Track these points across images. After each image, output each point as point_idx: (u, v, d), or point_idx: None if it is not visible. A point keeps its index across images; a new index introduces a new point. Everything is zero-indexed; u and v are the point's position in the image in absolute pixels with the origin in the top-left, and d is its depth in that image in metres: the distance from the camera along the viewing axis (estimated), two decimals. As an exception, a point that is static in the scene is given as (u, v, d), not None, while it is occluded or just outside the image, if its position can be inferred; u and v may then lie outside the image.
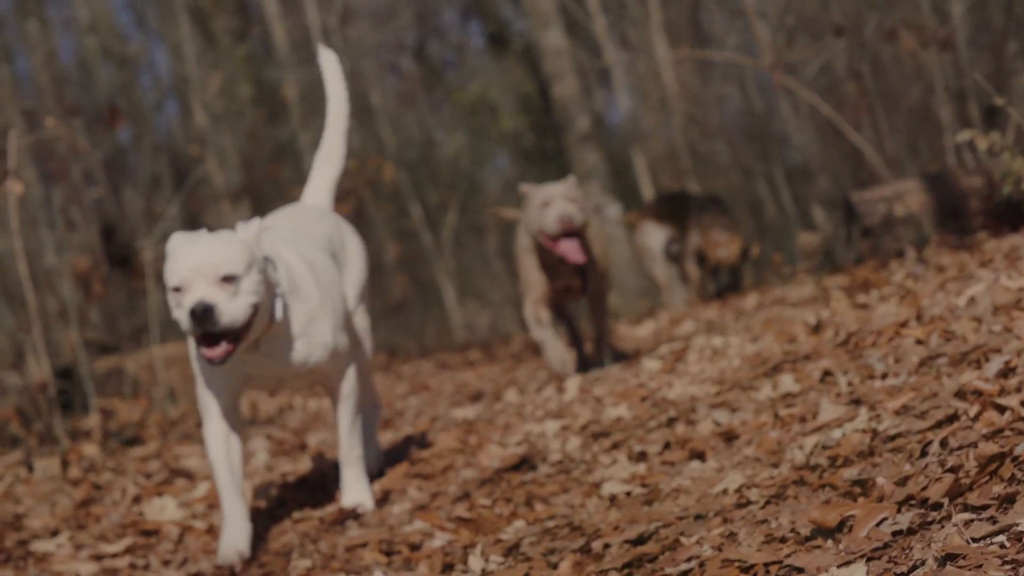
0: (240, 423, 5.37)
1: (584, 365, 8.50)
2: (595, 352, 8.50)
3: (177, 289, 4.87)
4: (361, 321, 6.07)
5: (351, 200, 19.18)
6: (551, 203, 7.76)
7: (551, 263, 7.97)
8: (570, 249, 7.73)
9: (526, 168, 23.47)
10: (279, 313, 5.14)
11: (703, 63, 20.95)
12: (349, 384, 5.58)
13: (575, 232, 7.77)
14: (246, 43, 22.81)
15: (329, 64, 6.35)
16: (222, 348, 4.90)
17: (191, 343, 5.20)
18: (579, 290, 8.18)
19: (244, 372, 5.29)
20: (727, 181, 21.55)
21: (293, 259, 5.39)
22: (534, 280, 8.05)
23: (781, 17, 17.41)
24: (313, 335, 5.34)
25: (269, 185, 21.48)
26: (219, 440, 5.25)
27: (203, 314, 4.81)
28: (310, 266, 5.46)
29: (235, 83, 21.82)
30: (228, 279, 4.88)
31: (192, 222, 21.73)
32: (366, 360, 6.15)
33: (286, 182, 21.26)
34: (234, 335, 4.93)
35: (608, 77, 22.35)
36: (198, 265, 4.86)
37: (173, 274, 4.89)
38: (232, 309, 4.87)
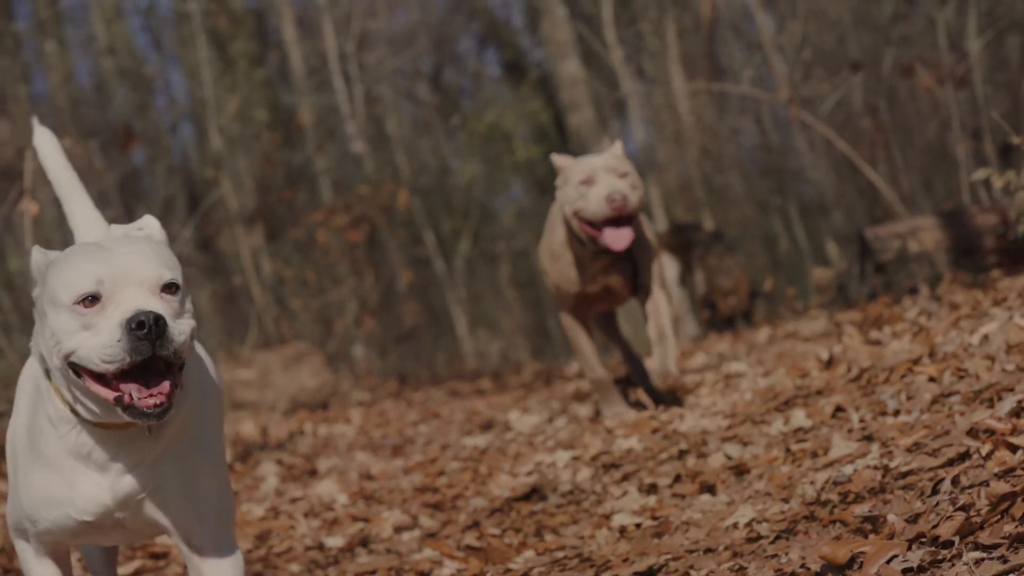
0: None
1: (651, 390, 7.05)
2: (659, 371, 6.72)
3: (89, 299, 3.01)
4: None
5: (364, 226, 19.23)
6: (595, 179, 6.16)
7: (588, 259, 6.40)
8: (614, 236, 6.14)
9: (540, 197, 23.52)
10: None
11: (719, 96, 20.99)
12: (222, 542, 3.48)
13: (627, 217, 6.16)
14: (263, 67, 22.91)
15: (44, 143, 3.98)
16: (167, 386, 3.01)
17: (43, 412, 3.21)
18: (623, 292, 6.57)
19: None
20: (741, 214, 21.57)
21: None
22: (566, 283, 6.53)
23: (798, 51, 17.45)
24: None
25: (283, 209, 21.54)
26: None
27: (156, 324, 2.95)
28: None
29: (251, 107, 21.91)
30: (171, 288, 3.07)
31: (206, 245, 21.83)
32: None
33: (300, 206, 21.33)
34: (175, 376, 3.05)
35: (624, 108, 22.41)
36: (127, 267, 3.05)
37: (81, 279, 3.02)
38: (182, 330, 3.04)
